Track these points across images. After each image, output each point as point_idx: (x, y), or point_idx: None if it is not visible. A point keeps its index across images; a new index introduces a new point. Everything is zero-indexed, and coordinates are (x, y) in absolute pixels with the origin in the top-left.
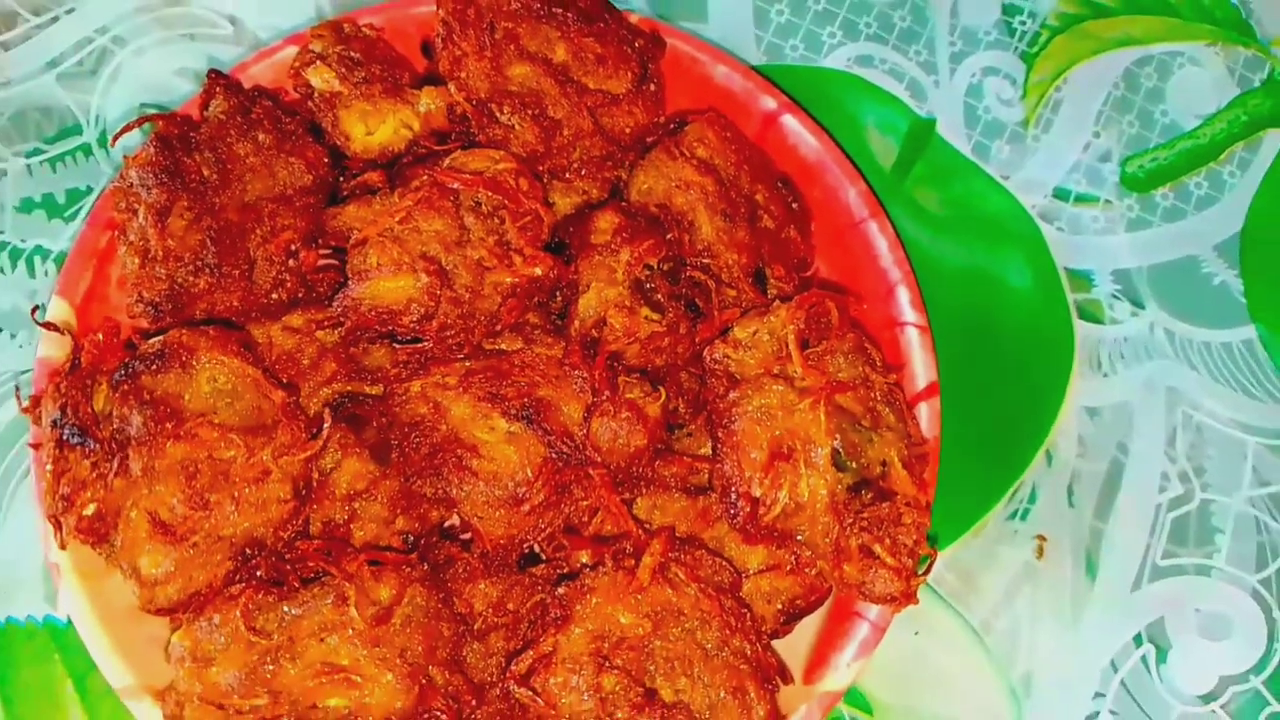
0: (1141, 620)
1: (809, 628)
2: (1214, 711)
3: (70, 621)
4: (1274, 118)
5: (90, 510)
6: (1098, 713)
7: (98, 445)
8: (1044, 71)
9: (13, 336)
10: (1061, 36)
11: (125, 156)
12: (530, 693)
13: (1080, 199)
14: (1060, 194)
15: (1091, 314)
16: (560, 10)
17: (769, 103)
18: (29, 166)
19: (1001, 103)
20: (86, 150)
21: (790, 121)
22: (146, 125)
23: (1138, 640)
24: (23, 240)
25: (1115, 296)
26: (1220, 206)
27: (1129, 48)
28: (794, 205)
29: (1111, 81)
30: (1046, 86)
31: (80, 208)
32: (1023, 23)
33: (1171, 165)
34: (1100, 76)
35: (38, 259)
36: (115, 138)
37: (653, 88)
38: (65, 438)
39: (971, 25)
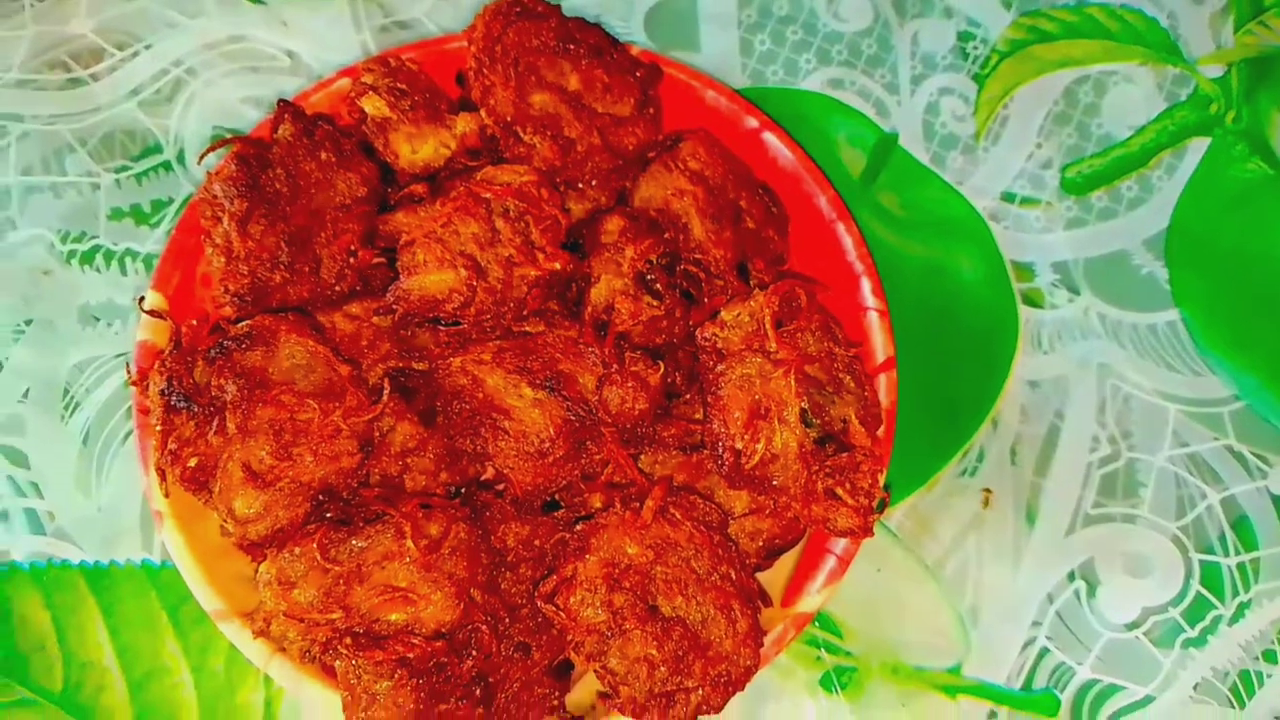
0: (1074, 560)
1: (787, 562)
2: (1137, 638)
3: (163, 563)
4: (1198, 128)
5: (193, 463)
6: (1035, 638)
7: (199, 409)
8: (993, 91)
9: (109, 325)
10: (1009, 60)
11: (208, 173)
12: (555, 608)
13: (1025, 201)
14: (1007, 197)
15: (1034, 300)
16: (573, 47)
17: (752, 122)
18: (118, 180)
19: (956, 119)
20: (167, 166)
21: (770, 138)
22: (225, 147)
23: (1071, 577)
24: (115, 243)
25: (1055, 285)
26: (1149, 207)
27: (1069, 68)
28: (773, 209)
29: (1053, 99)
30: (995, 104)
31: (163, 215)
32: (975, 48)
33: (1105, 171)
34: (1043, 94)
35: (128, 259)
36: (201, 157)
37: (652, 111)
38: (173, 404)
39: (930, 51)
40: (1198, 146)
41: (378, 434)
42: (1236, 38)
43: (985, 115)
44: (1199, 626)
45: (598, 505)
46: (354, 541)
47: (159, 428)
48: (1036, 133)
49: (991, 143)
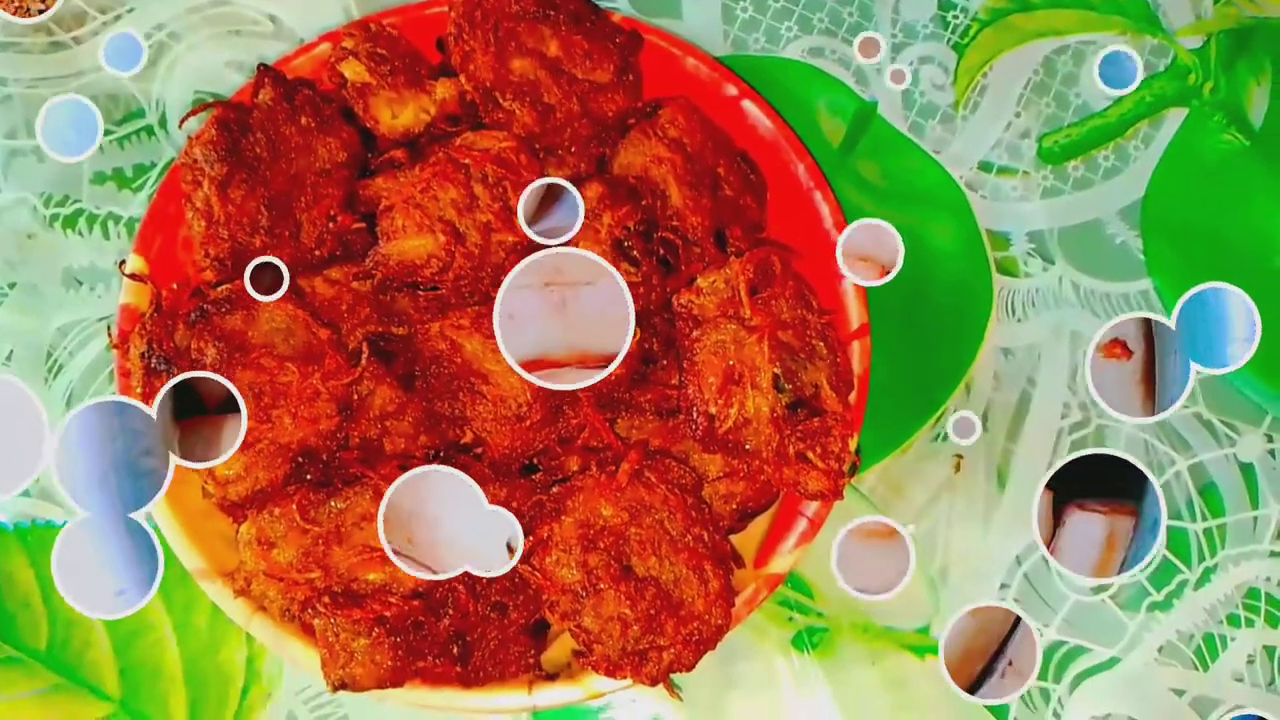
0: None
1: (760, 525)
2: (1103, 601)
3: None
4: (1176, 99)
5: None
6: (1003, 599)
7: (179, 372)
8: (973, 60)
9: (92, 288)
10: (989, 29)
11: (189, 137)
12: (531, 569)
13: (1002, 171)
14: (984, 167)
15: (1008, 269)
16: (553, 13)
17: (731, 90)
18: (100, 145)
19: (935, 88)
20: (150, 131)
21: (749, 106)
22: (206, 111)
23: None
24: (97, 207)
25: (1029, 254)
26: (1124, 176)
27: (1048, 38)
28: (751, 177)
29: (1032, 68)
30: (974, 73)
31: (145, 180)
32: (955, 18)
33: (1082, 141)
34: (1022, 64)
35: (110, 223)
36: (182, 121)
37: (632, 78)
38: (153, 366)
39: (910, 20)
40: (1175, 117)
41: (357, 397)
42: (1216, 9)
43: (964, 84)
44: (1165, 591)
45: (574, 468)
46: (333, 503)
47: (139, 390)
48: (1015, 102)
49: (970, 112)
